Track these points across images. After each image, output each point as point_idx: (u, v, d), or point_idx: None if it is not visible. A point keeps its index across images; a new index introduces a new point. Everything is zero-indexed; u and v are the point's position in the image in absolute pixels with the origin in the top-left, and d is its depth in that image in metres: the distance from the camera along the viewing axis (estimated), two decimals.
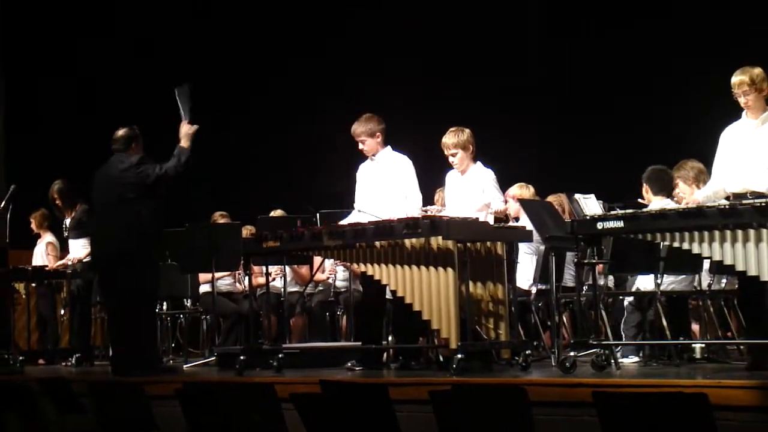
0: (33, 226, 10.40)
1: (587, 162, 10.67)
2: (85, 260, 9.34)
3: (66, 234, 9.69)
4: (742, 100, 6.19)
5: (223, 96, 12.22)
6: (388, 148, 7.53)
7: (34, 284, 10.09)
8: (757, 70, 6.16)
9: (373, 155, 7.51)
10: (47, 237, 10.33)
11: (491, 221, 7.35)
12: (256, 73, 12.67)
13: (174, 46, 12.67)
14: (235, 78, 12.69)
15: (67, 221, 9.63)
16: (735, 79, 6.18)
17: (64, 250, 9.99)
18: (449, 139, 7.39)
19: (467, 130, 7.39)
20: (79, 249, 9.51)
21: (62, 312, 9.94)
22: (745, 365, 6.16)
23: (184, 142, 7.71)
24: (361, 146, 7.51)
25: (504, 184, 7.84)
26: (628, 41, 10.76)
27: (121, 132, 7.86)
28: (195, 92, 7.78)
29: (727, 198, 6.25)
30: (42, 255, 10.28)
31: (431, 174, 8.00)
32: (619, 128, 10.68)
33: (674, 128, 10.15)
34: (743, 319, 7.05)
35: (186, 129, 7.73)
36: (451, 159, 7.42)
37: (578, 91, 11.15)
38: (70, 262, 9.51)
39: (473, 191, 7.37)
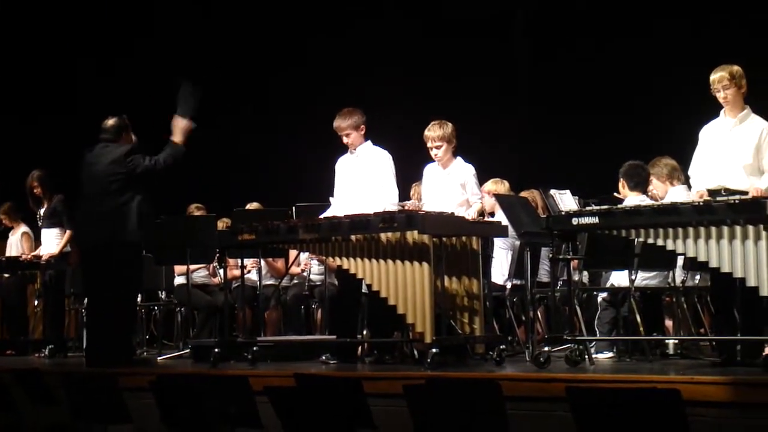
0: (5, 221, 10.30)
1: (562, 157, 10.69)
2: (56, 254, 9.31)
3: (40, 224, 9.62)
4: (721, 95, 6.21)
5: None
6: (369, 142, 7.46)
7: (7, 275, 10.03)
8: (736, 67, 6.20)
9: (354, 149, 7.48)
10: (21, 228, 10.25)
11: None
12: (243, 69, 12.62)
13: (161, 44, 12.60)
14: (218, 74, 12.66)
15: (42, 210, 9.56)
16: (715, 75, 6.21)
17: (38, 240, 9.93)
18: (434, 131, 7.27)
19: (450, 124, 7.32)
20: (52, 239, 9.46)
21: (36, 303, 9.89)
22: (718, 361, 6.20)
23: (178, 138, 7.57)
24: (345, 140, 7.43)
25: (478, 180, 7.83)
26: (616, 42, 10.81)
27: (111, 121, 7.71)
28: (202, 94, 7.66)
29: None
30: (17, 245, 10.20)
31: (405, 169, 7.96)
32: (595, 124, 10.70)
33: (653, 125, 10.18)
34: (716, 315, 7.09)
35: (183, 124, 7.57)
36: (434, 152, 7.32)
37: (554, 88, 11.18)
38: (43, 255, 9.45)
39: (454, 186, 7.33)
